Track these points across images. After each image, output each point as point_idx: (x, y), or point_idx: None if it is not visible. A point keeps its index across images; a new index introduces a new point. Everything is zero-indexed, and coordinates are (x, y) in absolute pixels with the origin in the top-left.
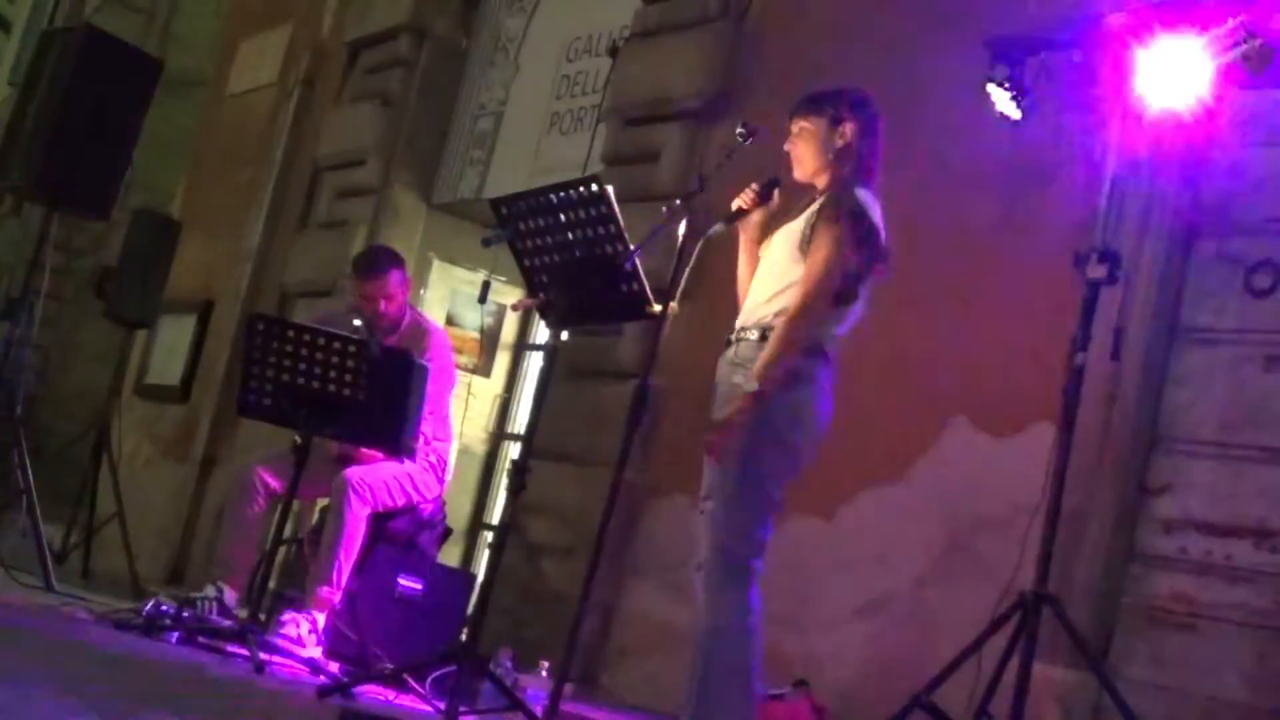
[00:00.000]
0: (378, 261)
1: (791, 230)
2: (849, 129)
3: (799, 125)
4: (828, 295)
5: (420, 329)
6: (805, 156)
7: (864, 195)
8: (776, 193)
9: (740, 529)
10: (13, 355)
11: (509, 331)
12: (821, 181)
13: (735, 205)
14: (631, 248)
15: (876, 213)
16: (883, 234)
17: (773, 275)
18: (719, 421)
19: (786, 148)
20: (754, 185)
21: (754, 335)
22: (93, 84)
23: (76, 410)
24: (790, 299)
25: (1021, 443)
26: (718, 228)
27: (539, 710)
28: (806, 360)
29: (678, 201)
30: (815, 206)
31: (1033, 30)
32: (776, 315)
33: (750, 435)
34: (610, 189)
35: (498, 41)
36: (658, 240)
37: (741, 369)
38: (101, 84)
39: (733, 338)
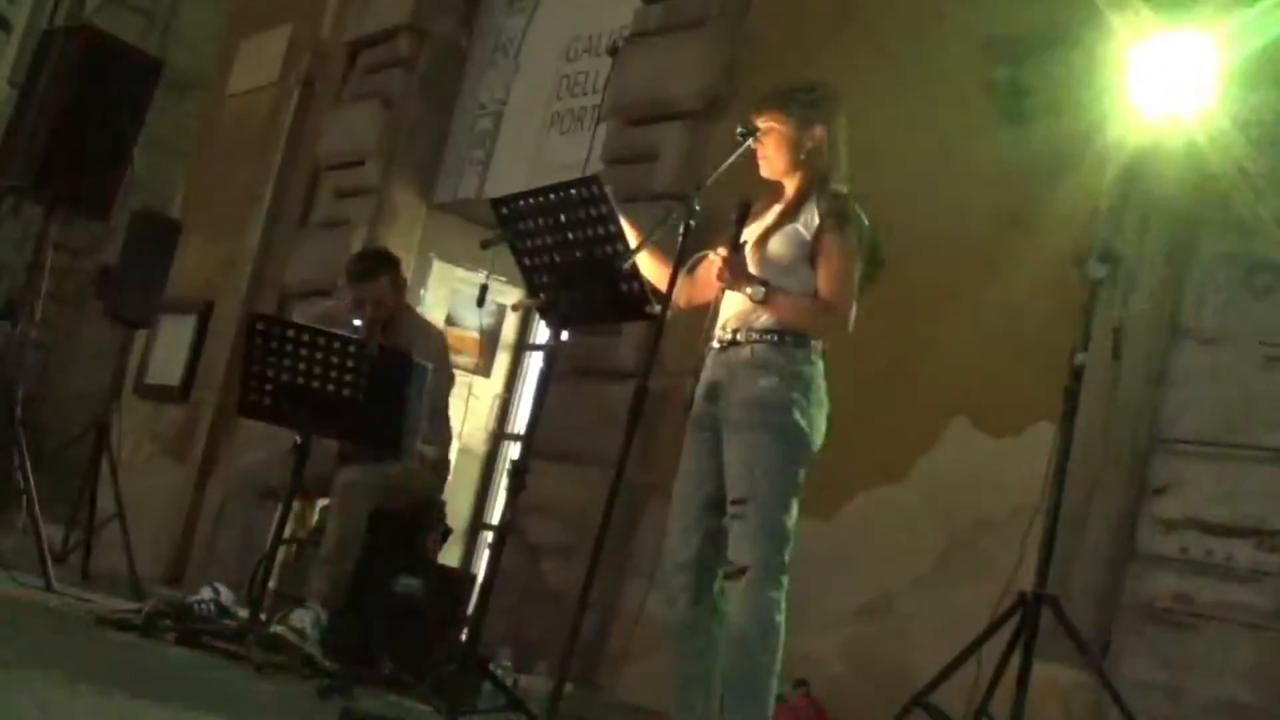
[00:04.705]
0: (367, 267)
1: (789, 233)
2: (819, 130)
3: (766, 124)
4: (849, 304)
5: (418, 329)
6: (774, 156)
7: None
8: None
9: (784, 530)
10: (13, 355)
11: (509, 331)
12: (793, 181)
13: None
14: (631, 248)
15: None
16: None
17: (778, 279)
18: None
19: (750, 144)
20: (730, 217)
21: (773, 337)
22: (93, 84)
23: (76, 410)
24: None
25: (1021, 443)
26: (756, 291)
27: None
28: (810, 365)
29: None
30: (815, 212)
31: (1033, 30)
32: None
33: (783, 446)
34: (609, 189)
35: (498, 41)
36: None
37: (764, 371)
38: (101, 84)
39: (740, 338)
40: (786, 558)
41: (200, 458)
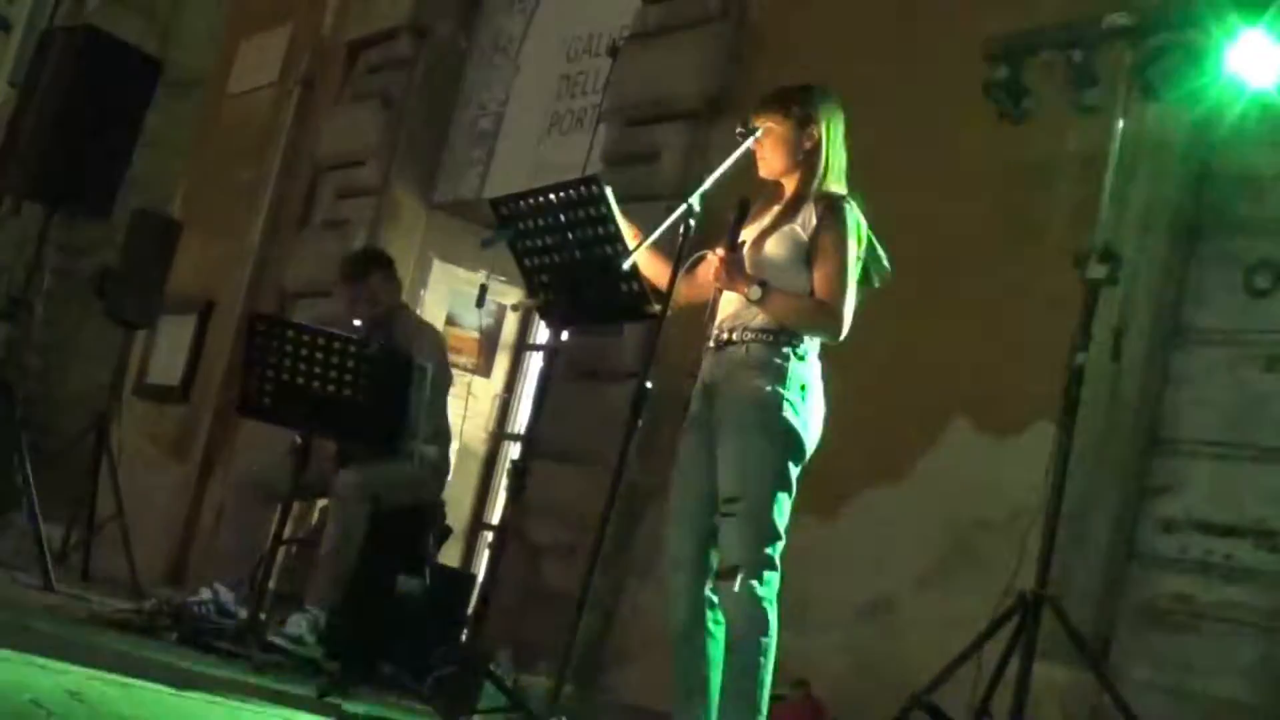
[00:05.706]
0: (356, 265)
1: (787, 233)
2: (816, 130)
3: (765, 124)
4: (845, 304)
5: (414, 328)
6: (772, 157)
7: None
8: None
9: (775, 530)
10: (13, 355)
11: (509, 331)
12: (791, 182)
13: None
14: (631, 247)
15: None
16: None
17: (775, 279)
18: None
19: (750, 144)
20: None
21: (769, 337)
22: (93, 84)
23: (76, 410)
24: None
25: (1021, 443)
26: (753, 291)
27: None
28: (805, 365)
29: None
30: (813, 213)
31: (1033, 30)
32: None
33: (776, 446)
34: (609, 188)
35: (498, 41)
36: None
37: (759, 371)
38: (101, 84)
39: (735, 337)
40: (778, 556)
41: (200, 458)
